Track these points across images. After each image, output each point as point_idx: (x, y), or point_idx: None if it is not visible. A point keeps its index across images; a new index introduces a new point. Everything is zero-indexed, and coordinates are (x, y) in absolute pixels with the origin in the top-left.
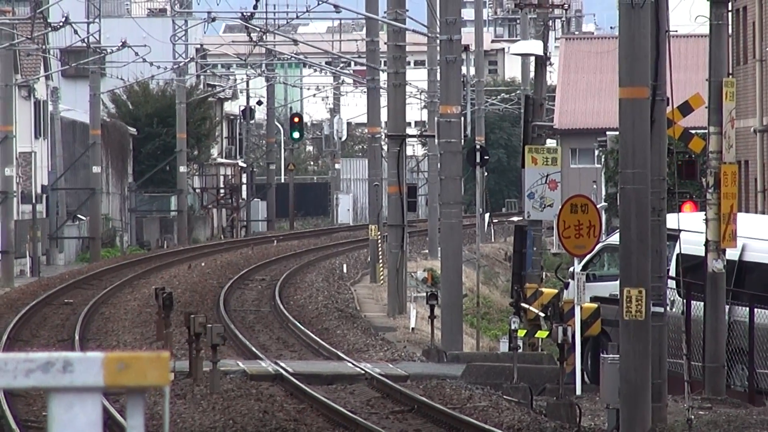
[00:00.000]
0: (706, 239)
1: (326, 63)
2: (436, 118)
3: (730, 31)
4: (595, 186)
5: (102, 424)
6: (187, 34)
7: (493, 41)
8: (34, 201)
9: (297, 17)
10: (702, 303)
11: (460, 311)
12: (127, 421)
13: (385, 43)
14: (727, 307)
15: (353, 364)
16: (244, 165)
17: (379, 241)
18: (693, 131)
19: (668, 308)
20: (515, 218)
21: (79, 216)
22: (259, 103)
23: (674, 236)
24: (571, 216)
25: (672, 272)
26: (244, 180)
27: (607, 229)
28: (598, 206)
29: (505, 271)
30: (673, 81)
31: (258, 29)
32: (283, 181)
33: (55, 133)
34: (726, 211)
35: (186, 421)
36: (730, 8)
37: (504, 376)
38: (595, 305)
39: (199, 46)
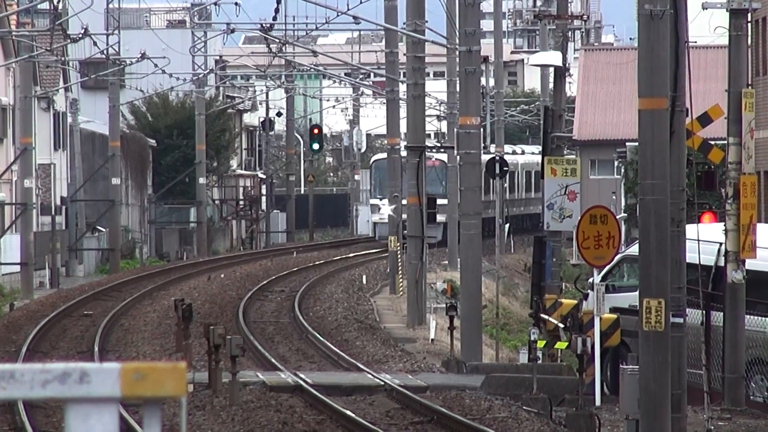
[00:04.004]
0: (726, 250)
1: (345, 74)
2: (455, 130)
3: (749, 41)
4: (614, 197)
5: None
6: (206, 45)
7: (512, 52)
8: (53, 213)
9: (316, 28)
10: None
11: (480, 322)
12: (144, 431)
13: (404, 55)
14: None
15: (373, 375)
16: (264, 176)
17: (399, 252)
18: (712, 142)
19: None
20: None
21: (98, 227)
22: (279, 114)
23: None
24: (591, 227)
25: None
26: (263, 191)
27: (627, 239)
28: (617, 217)
29: (524, 282)
30: (693, 92)
31: (277, 40)
32: (302, 192)
33: (75, 145)
34: (745, 222)
35: None
36: (749, 19)
37: (523, 387)
38: (614, 316)
39: (218, 57)
